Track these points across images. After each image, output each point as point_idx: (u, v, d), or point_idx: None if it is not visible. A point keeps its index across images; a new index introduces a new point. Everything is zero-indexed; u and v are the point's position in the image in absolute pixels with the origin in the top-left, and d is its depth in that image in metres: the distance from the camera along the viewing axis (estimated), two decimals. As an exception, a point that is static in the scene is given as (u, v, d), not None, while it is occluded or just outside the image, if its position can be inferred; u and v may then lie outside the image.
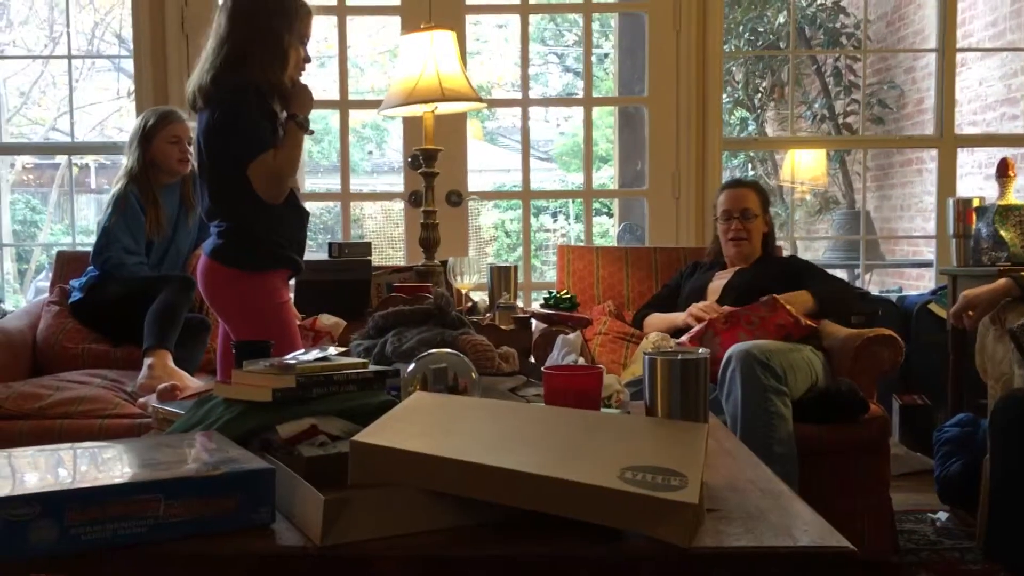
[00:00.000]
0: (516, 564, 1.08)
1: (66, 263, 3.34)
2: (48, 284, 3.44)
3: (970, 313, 2.51)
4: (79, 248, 3.80)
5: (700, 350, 1.38)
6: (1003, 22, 5.16)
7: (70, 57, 4.21)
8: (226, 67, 2.32)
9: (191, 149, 3.08)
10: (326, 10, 4.17)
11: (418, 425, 1.22)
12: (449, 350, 1.55)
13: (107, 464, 1.18)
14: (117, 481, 1.06)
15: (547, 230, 10.50)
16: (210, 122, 2.31)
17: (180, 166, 3.16)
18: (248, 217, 2.31)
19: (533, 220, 4.19)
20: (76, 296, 3.10)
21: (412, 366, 1.50)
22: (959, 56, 4.06)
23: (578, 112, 10.93)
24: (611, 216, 9.14)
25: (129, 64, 9.27)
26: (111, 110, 9.71)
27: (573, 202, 10.56)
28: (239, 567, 1.08)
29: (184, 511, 1.07)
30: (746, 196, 2.91)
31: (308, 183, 5.66)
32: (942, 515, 2.87)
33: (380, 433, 1.16)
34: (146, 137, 3.14)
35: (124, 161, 3.21)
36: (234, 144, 2.27)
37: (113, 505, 1.03)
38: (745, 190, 2.93)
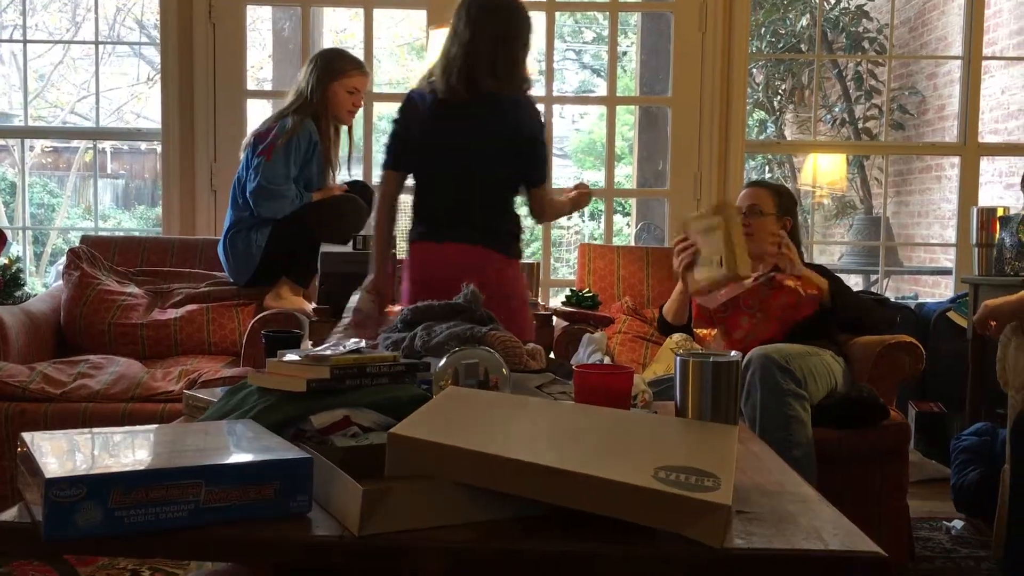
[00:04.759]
0: (549, 560, 1.09)
1: (91, 247, 3.35)
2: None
3: (992, 323, 2.51)
4: (102, 232, 3.82)
5: (732, 353, 1.39)
6: (1028, 31, 5.14)
7: (97, 43, 4.23)
8: (519, 61, 2.50)
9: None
10: (351, 1, 4.17)
11: (454, 420, 1.23)
12: (480, 346, 1.56)
13: (148, 448, 1.20)
14: (161, 465, 1.08)
15: (561, 226, 10.48)
16: (525, 121, 2.48)
17: (347, 117, 3.16)
18: (514, 212, 2.58)
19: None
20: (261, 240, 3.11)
21: (444, 360, 1.52)
22: (983, 64, 4.04)
23: (594, 109, 10.98)
24: (626, 215, 9.12)
25: (148, 50, 9.35)
26: (130, 96, 9.75)
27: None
28: (277, 554, 1.10)
29: (224, 497, 1.09)
30: (757, 194, 2.86)
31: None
32: (957, 523, 2.87)
33: (417, 426, 1.18)
34: (330, 75, 3.10)
35: (292, 95, 3.15)
36: (537, 160, 2.52)
37: (156, 489, 1.05)
38: (759, 189, 2.88)
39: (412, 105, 2.54)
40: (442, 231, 2.51)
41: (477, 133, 2.47)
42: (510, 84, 2.46)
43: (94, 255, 3.25)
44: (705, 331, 2.66)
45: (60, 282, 3.33)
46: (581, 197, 2.73)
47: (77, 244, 3.42)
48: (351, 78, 3.12)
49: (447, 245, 2.49)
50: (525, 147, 2.50)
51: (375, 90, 4.00)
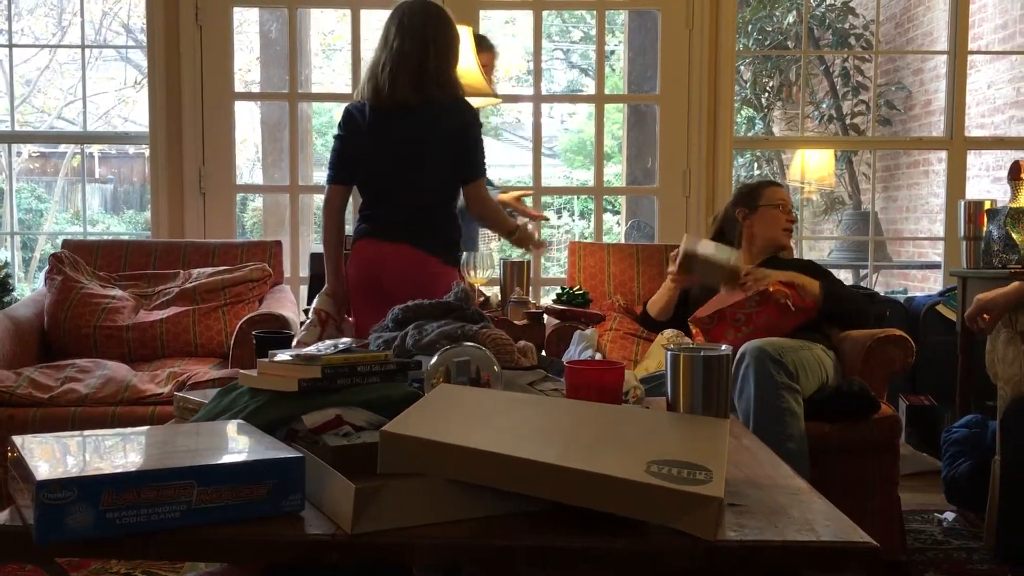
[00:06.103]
0: (543, 555, 1.09)
1: (74, 251, 3.33)
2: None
3: (985, 317, 2.51)
4: (90, 237, 3.80)
5: (722, 347, 1.39)
6: (1013, 25, 5.17)
7: (83, 47, 4.22)
8: (451, 66, 2.54)
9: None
10: (339, 2, 4.16)
11: (446, 416, 1.23)
12: (471, 343, 1.56)
13: (139, 450, 1.19)
14: (152, 466, 1.07)
15: (551, 226, 10.50)
16: (467, 122, 2.52)
17: (491, 88, 3.15)
18: (454, 217, 2.60)
19: (540, 216, 4.18)
20: None
21: (435, 358, 1.51)
22: (968, 58, 4.06)
23: (583, 108, 10.99)
24: (616, 213, 9.13)
25: (135, 54, 9.30)
26: (117, 100, 9.71)
27: (578, 199, 10.55)
28: (270, 554, 1.10)
29: (216, 497, 1.08)
30: (784, 193, 2.98)
31: (315, 175, 5.68)
32: (949, 515, 2.88)
33: (409, 424, 1.17)
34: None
35: None
36: (477, 156, 2.53)
37: (148, 490, 1.04)
38: (781, 189, 3.00)
39: (351, 119, 2.59)
40: (387, 233, 2.56)
41: (415, 139, 2.52)
42: (442, 88, 2.49)
43: (76, 259, 3.24)
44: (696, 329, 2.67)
45: (43, 287, 3.31)
46: (524, 234, 2.72)
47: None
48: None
49: (386, 244, 2.54)
50: (462, 147, 2.53)
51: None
